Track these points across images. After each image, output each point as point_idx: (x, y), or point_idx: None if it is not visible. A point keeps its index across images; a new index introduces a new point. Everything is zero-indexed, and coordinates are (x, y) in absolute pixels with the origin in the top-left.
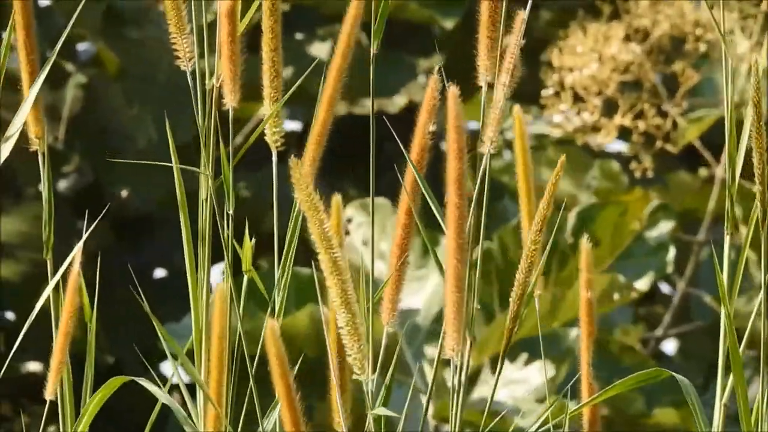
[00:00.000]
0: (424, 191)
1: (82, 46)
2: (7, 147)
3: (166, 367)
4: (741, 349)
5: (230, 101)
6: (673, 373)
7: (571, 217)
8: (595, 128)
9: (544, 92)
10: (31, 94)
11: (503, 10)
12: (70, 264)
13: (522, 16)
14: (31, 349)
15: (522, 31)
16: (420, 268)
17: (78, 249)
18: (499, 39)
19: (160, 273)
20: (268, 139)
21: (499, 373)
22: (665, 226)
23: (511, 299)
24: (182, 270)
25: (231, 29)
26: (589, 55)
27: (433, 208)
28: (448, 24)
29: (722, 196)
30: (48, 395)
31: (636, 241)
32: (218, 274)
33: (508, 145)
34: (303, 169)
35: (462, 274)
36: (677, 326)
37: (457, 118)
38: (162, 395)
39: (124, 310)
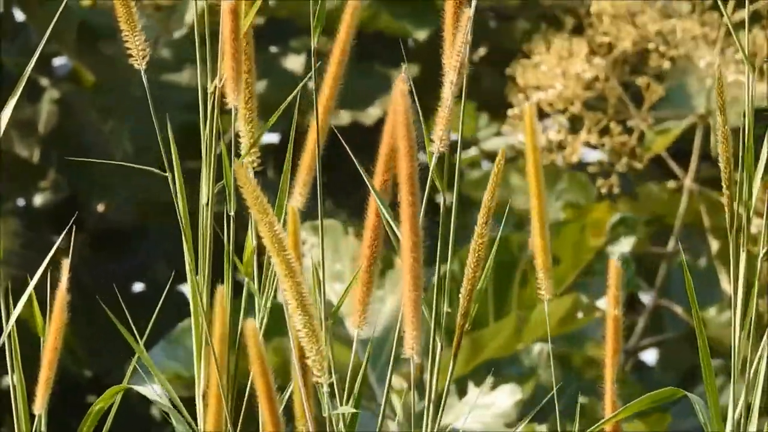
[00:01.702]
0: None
1: (57, 61)
2: None
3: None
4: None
5: (233, 100)
6: (687, 393)
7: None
8: (561, 146)
9: (509, 112)
10: (5, 111)
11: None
12: (45, 277)
13: (468, 14)
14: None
15: (469, 29)
16: (378, 288)
17: (65, 265)
18: (463, 40)
19: (138, 287)
20: (245, 160)
21: (453, 367)
22: (627, 242)
23: (461, 295)
24: (160, 283)
25: (234, 26)
26: (553, 72)
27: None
28: (421, 35)
29: (691, 205)
30: (36, 410)
31: (598, 258)
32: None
33: (488, 156)
34: (302, 177)
35: (418, 272)
36: (651, 336)
37: (404, 114)
38: (165, 404)
39: (103, 323)
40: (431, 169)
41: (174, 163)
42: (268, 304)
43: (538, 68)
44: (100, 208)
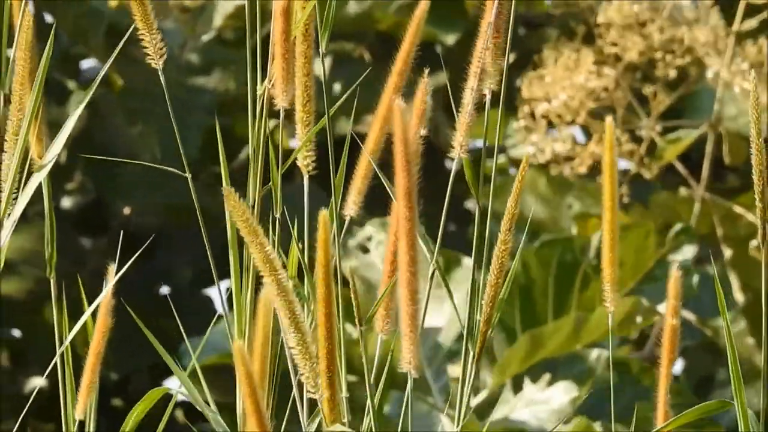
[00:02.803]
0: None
1: (86, 64)
2: (41, 174)
3: (173, 384)
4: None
5: (281, 101)
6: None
7: (596, 239)
8: (569, 158)
9: (516, 125)
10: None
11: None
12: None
13: (488, 20)
14: (35, 365)
15: (490, 36)
16: (441, 287)
17: (111, 270)
18: (505, 48)
19: (163, 290)
20: (299, 163)
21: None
22: (689, 251)
23: (483, 302)
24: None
25: (285, 27)
26: (559, 83)
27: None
28: (450, 40)
29: (704, 214)
30: (78, 415)
31: (659, 265)
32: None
33: (515, 163)
34: (357, 185)
35: (415, 287)
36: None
37: (402, 130)
38: (208, 411)
39: (128, 326)
40: (450, 176)
41: (222, 169)
42: (312, 307)
43: (544, 80)
44: (126, 210)
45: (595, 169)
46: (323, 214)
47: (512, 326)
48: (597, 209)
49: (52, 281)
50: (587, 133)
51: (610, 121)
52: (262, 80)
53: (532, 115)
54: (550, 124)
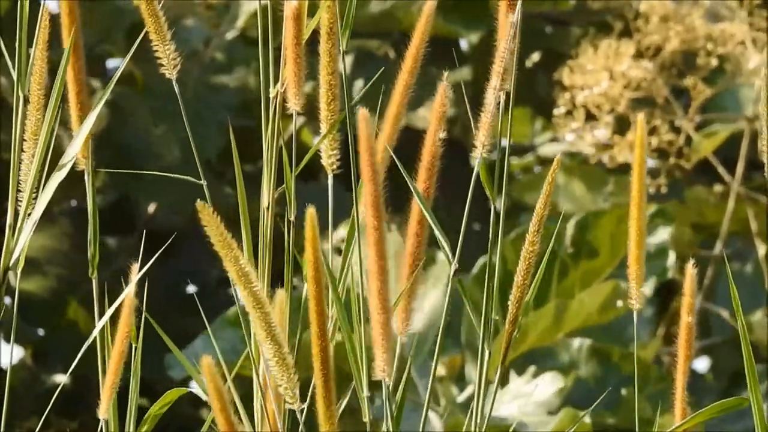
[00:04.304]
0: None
1: (111, 63)
2: (62, 173)
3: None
4: None
5: (294, 105)
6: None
7: (570, 227)
8: (608, 146)
9: (556, 111)
10: (86, 123)
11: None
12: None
13: (512, 19)
14: (58, 363)
15: (513, 35)
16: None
17: (134, 270)
18: (506, 47)
19: (190, 288)
20: (324, 161)
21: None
22: (664, 232)
23: (509, 302)
24: (214, 285)
25: (297, 32)
26: (599, 72)
27: (432, 223)
28: (473, 38)
29: (738, 210)
30: (101, 414)
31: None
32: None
33: (542, 162)
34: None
35: (386, 296)
36: (697, 341)
37: (367, 140)
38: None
39: (150, 325)
40: (473, 175)
41: (236, 171)
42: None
43: (585, 68)
44: (151, 209)
45: (627, 164)
46: (310, 211)
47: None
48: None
49: (94, 281)
50: (618, 124)
51: (641, 117)
52: (275, 83)
53: (573, 102)
54: (589, 115)
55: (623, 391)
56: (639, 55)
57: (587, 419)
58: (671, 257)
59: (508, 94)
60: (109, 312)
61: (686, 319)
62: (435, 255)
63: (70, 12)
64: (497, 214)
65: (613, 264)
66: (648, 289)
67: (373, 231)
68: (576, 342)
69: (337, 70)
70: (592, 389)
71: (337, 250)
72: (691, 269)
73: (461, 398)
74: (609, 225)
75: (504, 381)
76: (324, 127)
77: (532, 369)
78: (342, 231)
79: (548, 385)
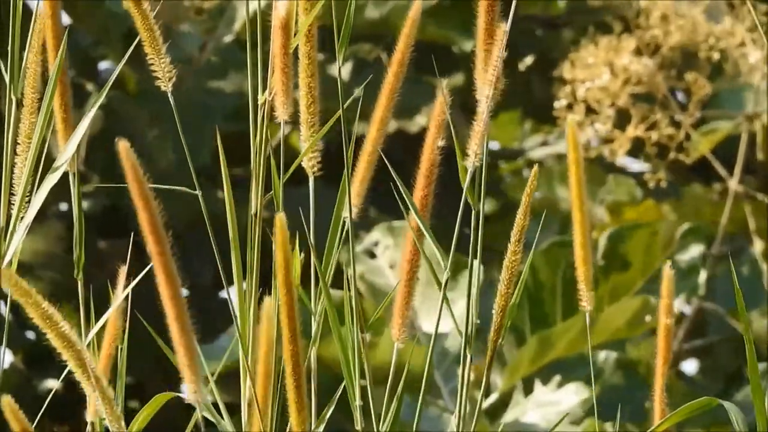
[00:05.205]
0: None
1: (103, 65)
2: (54, 177)
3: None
4: None
5: (281, 115)
6: (722, 401)
7: (602, 239)
8: (608, 140)
9: (557, 104)
10: (81, 127)
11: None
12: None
13: (503, 28)
14: (50, 368)
15: (504, 43)
16: (449, 291)
17: (122, 272)
18: (498, 55)
19: (184, 292)
20: (305, 164)
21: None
22: (696, 249)
23: (494, 311)
24: (205, 289)
25: (284, 41)
26: (600, 66)
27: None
28: (467, 44)
29: (736, 209)
30: (89, 417)
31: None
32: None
33: (530, 164)
34: (356, 188)
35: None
36: (693, 340)
37: (133, 169)
38: (217, 417)
39: (144, 329)
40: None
41: (224, 178)
42: (319, 310)
43: (586, 63)
44: None
45: (630, 154)
46: (279, 216)
47: (521, 328)
48: (631, 201)
49: (79, 284)
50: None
51: (572, 119)
52: (263, 91)
53: (573, 96)
54: (589, 109)
55: (647, 404)
56: (639, 52)
57: (610, 430)
58: (702, 275)
59: (497, 99)
60: (104, 318)
61: (664, 321)
62: (465, 261)
63: (53, 14)
64: (477, 220)
65: (645, 278)
66: (678, 303)
67: (158, 257)
68: (602, 354)
69: (317, 73)
70: (617, 401)
71: (369, 253)
72: (668, 271)
73: (485, 404)
74: (643, 239)
75: (528, 389)
76: (304, 130)
77: (557, 378)
78: (376, 234)
79: (573, 395)
